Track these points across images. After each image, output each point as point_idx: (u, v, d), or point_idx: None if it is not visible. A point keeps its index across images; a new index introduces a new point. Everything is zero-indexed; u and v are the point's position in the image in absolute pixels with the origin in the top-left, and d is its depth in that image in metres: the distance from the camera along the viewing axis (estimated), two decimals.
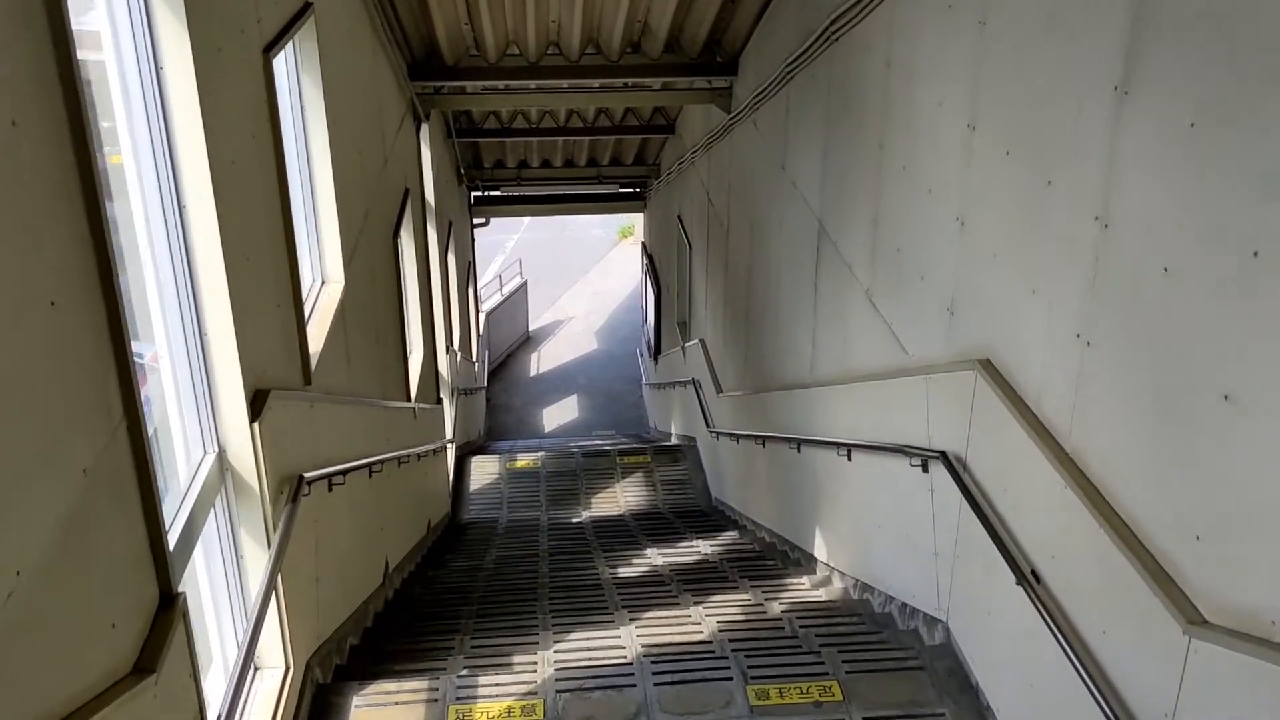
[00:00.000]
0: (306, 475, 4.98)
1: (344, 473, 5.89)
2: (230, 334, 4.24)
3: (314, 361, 5.74)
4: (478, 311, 20.75)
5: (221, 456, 4.42)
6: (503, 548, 10.15)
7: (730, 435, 11.06)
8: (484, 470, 13.69)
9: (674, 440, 16.17)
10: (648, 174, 18.67)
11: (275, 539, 4.51)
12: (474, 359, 18.64)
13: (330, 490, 5.84)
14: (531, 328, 25.26)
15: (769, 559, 8.62)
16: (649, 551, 9.29)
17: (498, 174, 18.29)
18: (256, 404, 4.49)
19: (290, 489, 4.81)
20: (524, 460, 13.92)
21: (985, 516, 4.76)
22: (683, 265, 15.72)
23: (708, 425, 12.48)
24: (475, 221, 19.98)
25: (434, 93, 11.04)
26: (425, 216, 11.49)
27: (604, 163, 18.26)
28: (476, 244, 21.36)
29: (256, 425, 4.41)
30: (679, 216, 15.41)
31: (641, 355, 21.88)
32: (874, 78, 6.35)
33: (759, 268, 9.89)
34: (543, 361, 23.87)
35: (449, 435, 12.50)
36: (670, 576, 7.90)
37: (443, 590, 7.91)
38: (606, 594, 7.37)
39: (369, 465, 6.91)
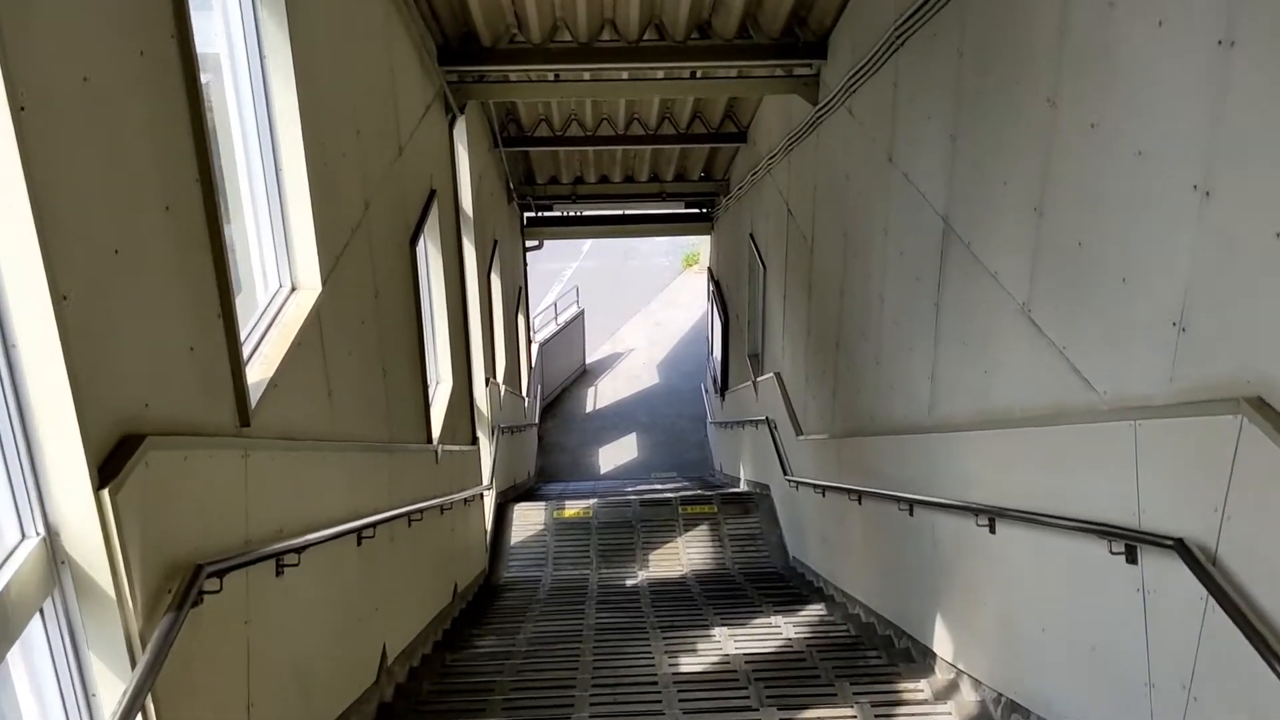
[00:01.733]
0: (210, 565, 3.33)
1: (299, 549, 4.24)
2: (54, 347, 2.62)
3: (259, 393, 4.13)
4: (530, 342, 19.19)
5: (52, 543, 2.79)
6: (542, 620, 8.45)
7: (813, 486, 9.29)
8: (528, 520, 12.02)
9: (743, 487, 14.39)
10: (716, 190, 17.00)
11: (141, 664, 2.85)
12: (524, 393, 17.05)
13: (280, 574, 4.20)
14: (588, 360, 23.66)
15: (870, 649, 6.83)
16: (717, 632, 7.54)
17: (551, 190, 16.70)
18: (116, 460, 2.87)
19: (179, 587, 3.16)
20: (573, 509, 12.23)
21: (1269, 648, 2.98)
22: (755, 290, 14.00)
23: (785, 472, 10.72)
24: (528, 244, 18.46)
25: (473, 80, 9.47)
26: (460, 226, 9.92)
27: (667, 178, 16.60)
28: (530, 272, 19.86)
29: (108, 493, 2.78)
30: (751, 235, 13.72)
31: (706, 391, 20.14)
32: (1041, 14, 4.61)
33: (854, 286, 8.15)
34: (600, 396, 22.23)
35: (486, 480, 10.87)
36: (747, 675, 6.14)
37: (457, 688, 6.23)
38: (664, 701, 5.63)
39: (357, 530, 5.27)
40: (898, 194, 6.89)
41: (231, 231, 5.05)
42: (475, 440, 10.38)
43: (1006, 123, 5.04)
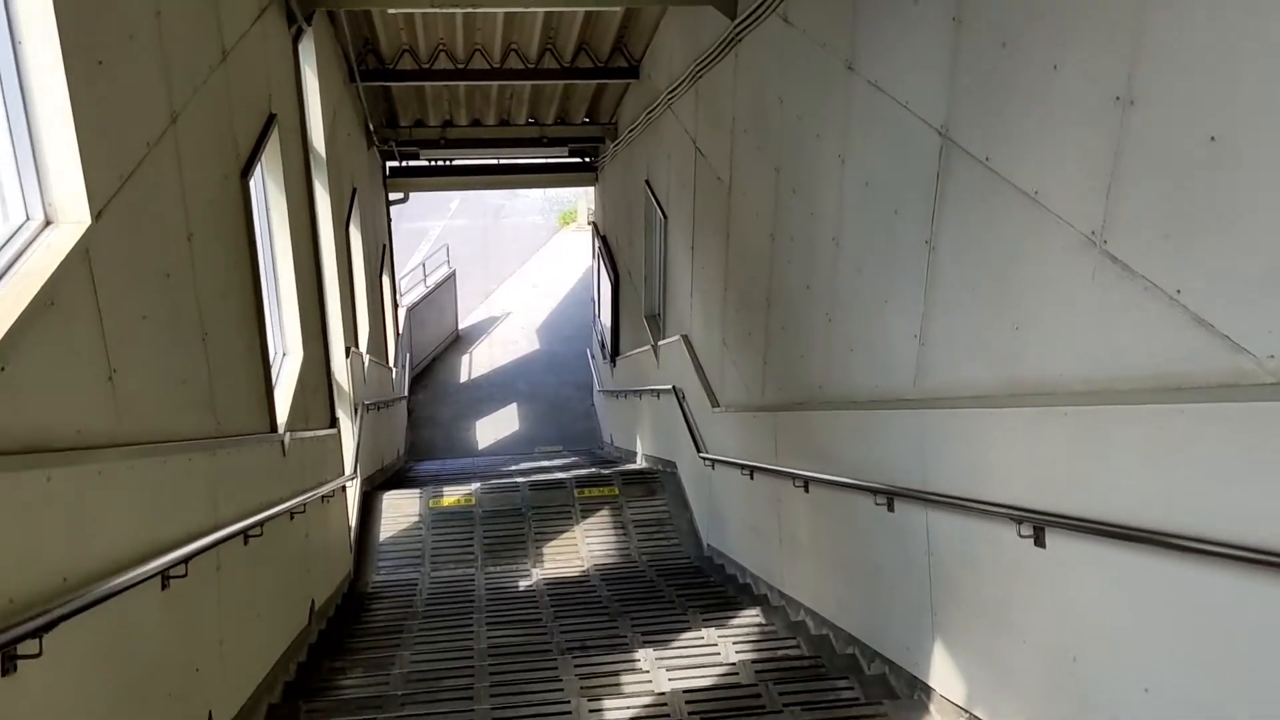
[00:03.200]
0: None
1: (39, 630, 2.66)
2: None
3: None
4: (396, 306, 17.43)
5: None
6: (421, 642, 6.93)
7: (737, 466, 7.97)
8: (400, 510, 10.42)
9: (642, 463, 13.03)
10: (602, 135, 15.45)
11: None
12: (391, 363, 15.33)
13: (10, 672, 2.62)
14: (461, 325, 21.95)
15: (837, 677, 5.50)
16: (641, 655, 6.13)
17: (417, 134, 14.92)
18: None
19: None
20: (453, 496, 10.67)
21: None
22: (653, 243, 12.58)
23: (698, 449, 9.36)
24: (391, 197, 16.66)
25: None
26: (309, 165, 8.22)
27: (548, 120, 14.99)
28: (395, 232, 18.04)
29: None
30: (647, 182, 12.27)
31: (593, 357, 18.69)
32: None
33: (793, 230, 6.79)
34: (475, 364, 20.58)
35: (349, 469, 9.23)
36: None
37: None
38: None
39: (159, 572, 3.68)
40: (861, 110, 5.51)
41: None
42: (335, 422, 8.74)
43: None
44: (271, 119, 6.69)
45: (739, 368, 8.41)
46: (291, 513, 6.37)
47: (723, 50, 8.32)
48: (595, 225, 17.79)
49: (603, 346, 17.05)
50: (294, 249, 7.21)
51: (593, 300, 18.77)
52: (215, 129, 5.33)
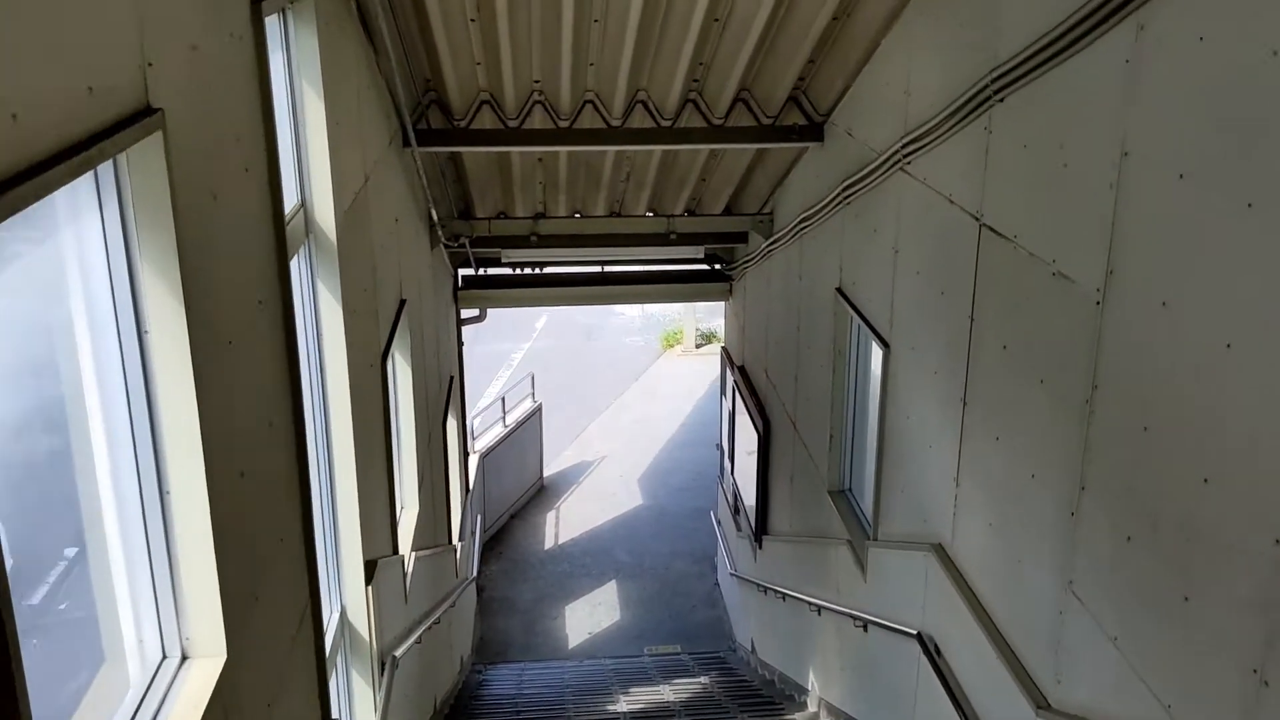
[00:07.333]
0: None
1: None
2: None
3: None
4: (466, 456, 13.42)
5: None
6: None
7: None
8: None
9: (821, 713, 8.67)
10: (747, 230, 11.43)
11: None
12: (454, 537, 11.24)
13: None
14: (547, 473, 17.82)
15: None
16: None
17: (498, 229, 10.95)
18: None
19: None
20: None
21: None
22: (843, 384, 8.43)
23: None
24: (463, 315, 12.80)
25: None
26: (285, 254, 4.25)
27: (675, 211, 11.02)
28: (467, 356, 14.15)
29: None
30: (840, 291, 8.15)
31: (719, 523, 14.41)
32: None
33: None
34: (563, 524, 16.39)
35: None
36: None
37: None
38: None
39: None
40: None
41: None
42: None
43: None
44: (143, 116, 2.72)
45: (1130, 653, 4.14)
46: None
47: (1102, 24, 4.25)
48: (727, 352, 13.70)
49: (737, 514, 12.80)
50: (210, 452, 3.17)
51: (719, 449, 14.57)
52: None
